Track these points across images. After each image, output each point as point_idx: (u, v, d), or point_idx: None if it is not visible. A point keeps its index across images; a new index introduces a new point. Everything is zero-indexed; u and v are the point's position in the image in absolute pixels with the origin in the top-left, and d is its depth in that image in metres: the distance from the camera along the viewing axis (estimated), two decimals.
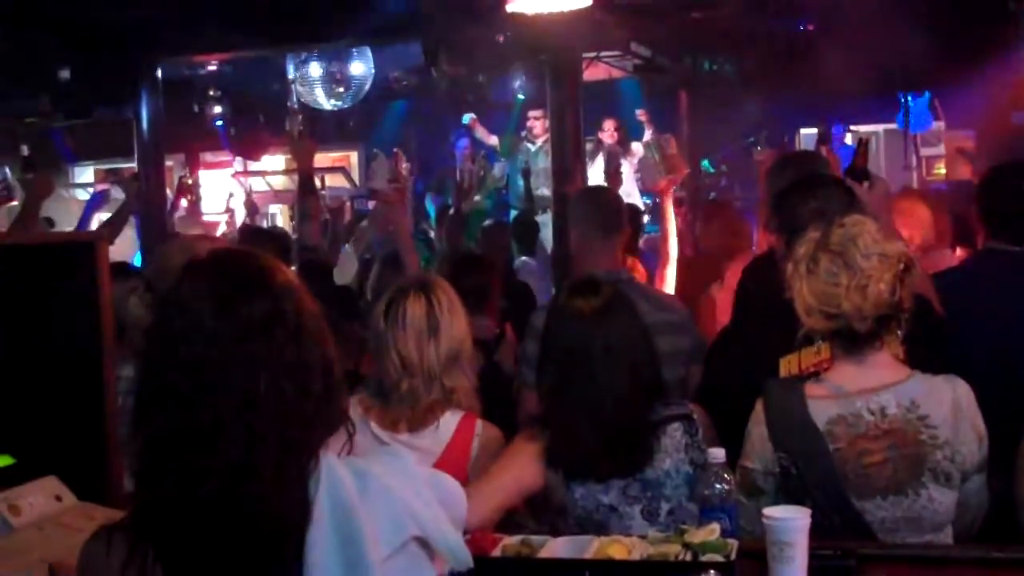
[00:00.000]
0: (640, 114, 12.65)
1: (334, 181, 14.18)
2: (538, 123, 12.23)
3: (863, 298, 2.93)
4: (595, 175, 11.14)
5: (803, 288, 3.02)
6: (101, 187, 11.74)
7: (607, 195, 5.34)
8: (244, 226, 8.35)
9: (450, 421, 3.56)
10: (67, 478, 2.82)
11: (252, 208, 13.21)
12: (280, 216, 14.53)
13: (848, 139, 12.63)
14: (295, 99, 10.80)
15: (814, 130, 12.89)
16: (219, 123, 13.01)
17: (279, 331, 1.91)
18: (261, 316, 1.90)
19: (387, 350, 3.55)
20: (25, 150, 11.87)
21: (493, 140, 13.58)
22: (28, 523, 2.71)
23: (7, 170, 11.40)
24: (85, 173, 15.69)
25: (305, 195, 6.22)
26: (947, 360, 3.27)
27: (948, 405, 2.98)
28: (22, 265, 3.06)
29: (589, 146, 11.77)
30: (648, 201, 11.38)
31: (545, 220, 9.93)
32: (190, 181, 9.88)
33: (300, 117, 10.25)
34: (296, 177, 13.66)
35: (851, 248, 2.96)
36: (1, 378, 3.01)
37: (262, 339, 1.89)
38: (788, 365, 3.25)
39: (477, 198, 11.64)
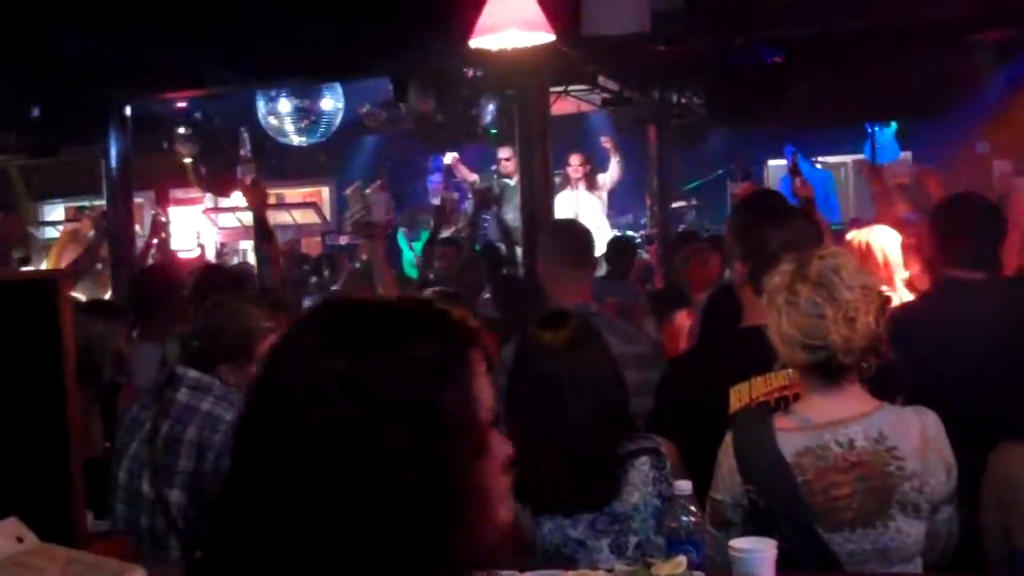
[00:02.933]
0: (605, 141, 12.66)
1: (305, 217, 14.18)
2: (509, 163, 12.25)
3: (851, 330, 2.92)
4: (561, 209, 11.21)
5: (782, 320, 3.00)
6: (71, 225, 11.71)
7: (576, 229, 5.35)
8: (206, 266, 8.27)
9: None
10: (28, 519, 2.78)
11: (221, 247, 13.21)
12: (251, 253, 14.49)
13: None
14: (248, 145, 10.74)
15: (783, 161, 13.03)
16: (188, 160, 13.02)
17: None
18: None
19: None
20: None
21: (473, 177, 13.58)
22: None
23: None
24: (55, 211, 15.65)
25: (261, 240, 6.20)
26: (916, 392, 3.27)
27: (916, 436, 2.97)
28: None
29: (557, 179, 11.82)
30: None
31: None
32: (164, 219, 9.83)
33: (253, 164, 10.21)
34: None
35: (834, 280, 2.95)
36: None
37: None
38: (739, 394, 3.25)
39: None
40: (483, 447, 1.52)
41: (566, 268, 4.78)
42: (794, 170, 6.54)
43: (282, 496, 1.44)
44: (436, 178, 13.74)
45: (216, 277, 6.50)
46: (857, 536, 2.92)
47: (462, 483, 1.48)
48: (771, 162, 13.86)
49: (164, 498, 3.71)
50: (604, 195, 12.31)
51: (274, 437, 1.46)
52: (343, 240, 13.99)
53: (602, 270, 8.65)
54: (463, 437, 1.49)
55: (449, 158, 13.40)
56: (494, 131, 12.13)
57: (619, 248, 9.34)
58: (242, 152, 10.59)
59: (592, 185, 12.17)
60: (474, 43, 6.20)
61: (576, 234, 5.09)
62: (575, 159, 12.19)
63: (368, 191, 13.53)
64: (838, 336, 2.92)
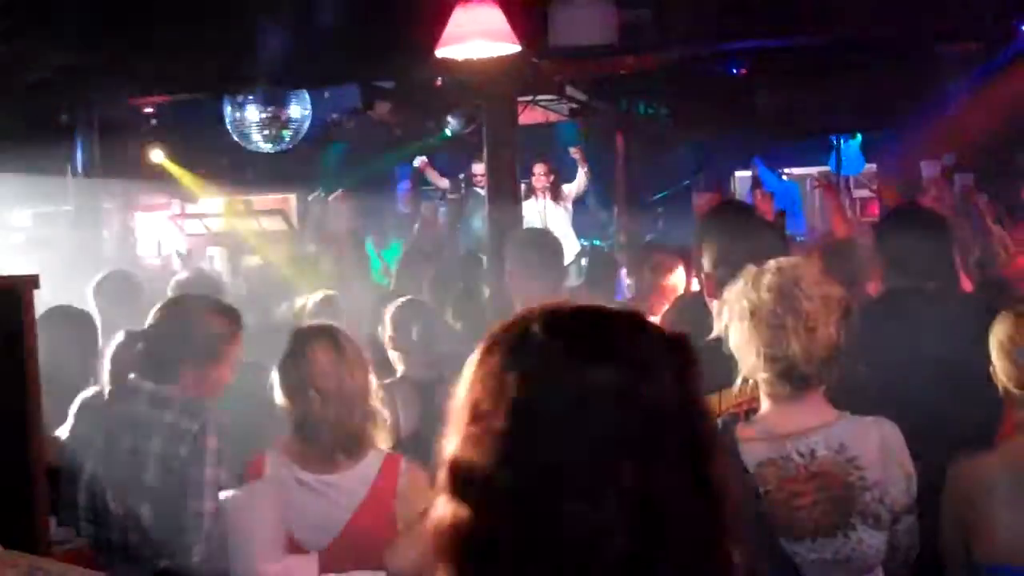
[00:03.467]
0: (574, 152, 12.63)
1: (273, 224, 14.13)
2: (483, 178, 12.24)
3: (811, 340, 2.94)
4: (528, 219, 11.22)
5: (741, 331, 3.02)
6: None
7: (545, 238, 5.37)
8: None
9: (373, 461, 3.58)
10: None
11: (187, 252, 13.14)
12: (217, 259, 14.44)
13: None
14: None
15: (749, 172, 13.10)
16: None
17: None
18: None
19: (295, 390, 3.58)
20: None
21: (444, 183, 13.53)
22: None
23: None
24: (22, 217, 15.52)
25: None
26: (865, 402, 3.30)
27: (876, 446, 2.99)
28: None
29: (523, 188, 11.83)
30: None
31: None
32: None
33: None
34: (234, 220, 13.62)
35: (794, 290, 2.97)
36: None
37: None
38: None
39: None
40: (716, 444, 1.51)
41: (535, 277, 4.80)
42: (755, 183, 6.60)
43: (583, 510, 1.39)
44: (404, 185, 13.72)
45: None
46: (818, 546, 2.93)
47: (723, 486, 1.47)
48: (738, 173, 13.90)
49: (135, 513, 3.68)
50: (569, 205, 12.29)
51: (554, 453, 1.40)
52: (311, 247, 13.94)
53: (572, 279, 8.66)
54: (711, 437, 1.50)
55: (418, 161, 13.34)
56: (448, 133, 12.09)
57: (595, 259, 9.32)
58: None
59: (557, 196, 12.14)
60: (440, 52, 6.22)
61: (545, 243, 5.11)
62: (539, 168, 12.13)
63: (330, 199, 13.49)
64: (798, 346, 2.94)
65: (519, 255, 5.00)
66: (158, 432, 3.71)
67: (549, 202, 12.09)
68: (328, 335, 3.68)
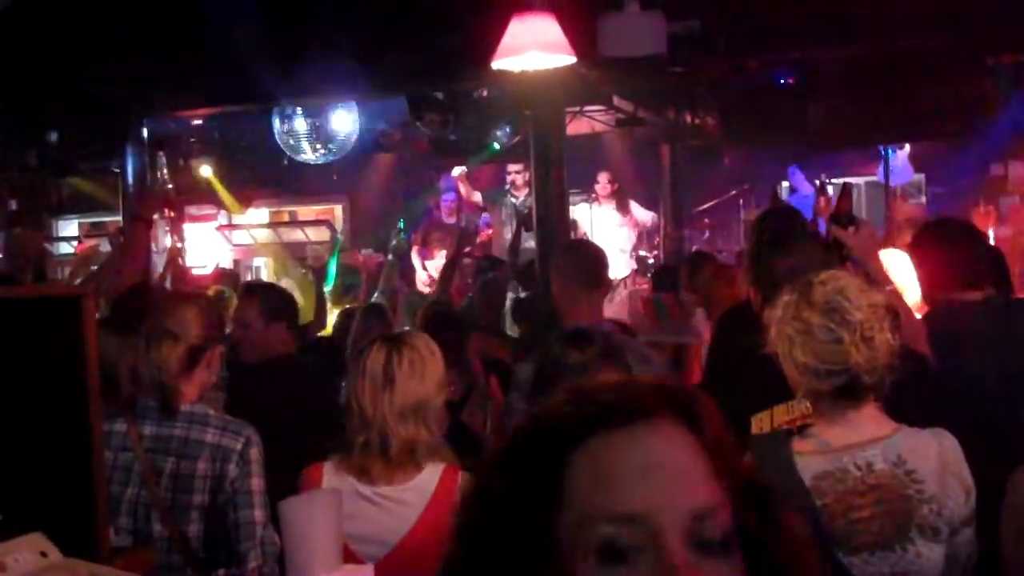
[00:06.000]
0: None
1: (318, 235, 14.21)
2: (519, 176, 12.27)
3: (872, 349, 2.93)
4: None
5: (795, 351, 3.01)
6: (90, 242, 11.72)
7: (588, 249, 5.38)
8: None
9: (432, 473, 3.56)
10: (53, 534, 2.80)
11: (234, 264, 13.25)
12: (265, 269, 14.55)
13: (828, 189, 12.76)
14: (164, 168, 10.54)
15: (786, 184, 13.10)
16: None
17: None
18: None
19: (350, 402, 3.58)
20: (13, 204, 11.87)
21: (476, 197, 13.55)
22: None
23: None
24: (69, 227, 15.71)
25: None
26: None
27: (934, 459, 2.98)
28: (5, 319, 3.05)
29: (582, 199, 11.89)
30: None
31: None
32: (180, 244, 9.77)
33: (170, 187, 10.07)
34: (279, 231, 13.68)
35: (843, 303, 2.96)
36: None
37: None
38: (760, 423, 3.25)
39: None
40: None
41: (579, 288, 4.81)
42: (821, 190, 6.63)
43: None
44: (449, 196, 13.74)
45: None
46: (876, 559, 2.92)
47: None
48: (784, 184, 13.86)
49: (184, 535, 3.69)
50: (632, 222, 12.26)
51: None
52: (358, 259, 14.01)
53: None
54: None
55: (456, 171, 13.38)
56: (496, 146, 12.12)
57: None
58: (159, 175, 10.47)
59: (624, 208, 12.15)
60: (496, 64, 6.23)
61: (587, 255, 5.13)
62: (603, 176, 12.19)
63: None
64: (860, 357, 2.93)
65: (564, 265, 5.02)
66: (203, 453, 3.71)
67: (610, 210, 12.11)
68: (398, 343, 3.64)
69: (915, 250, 4.65)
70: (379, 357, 3.59)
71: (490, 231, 13.13)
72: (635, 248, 12.13)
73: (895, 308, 3.06)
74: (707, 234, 13.76)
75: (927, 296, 4.55)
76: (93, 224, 15.49)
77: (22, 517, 2.81)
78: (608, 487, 1.24)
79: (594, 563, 1.22)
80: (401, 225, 12.91)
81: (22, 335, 3.05)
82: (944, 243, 4.53)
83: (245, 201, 13.98)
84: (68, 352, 3.04)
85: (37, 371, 3.04)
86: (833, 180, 13.19)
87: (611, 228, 11.92)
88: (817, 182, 9.33)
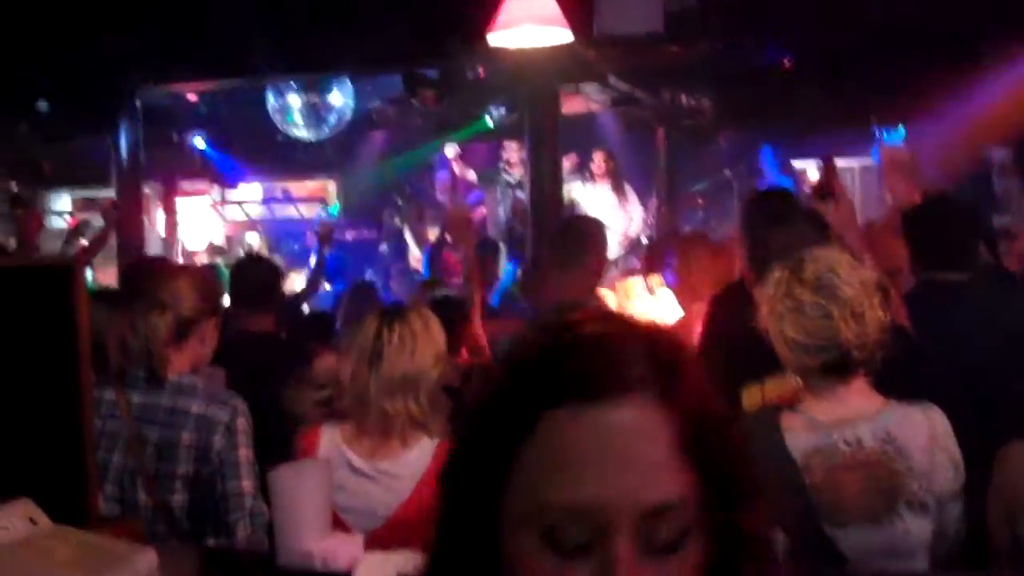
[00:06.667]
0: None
1: (311, 212, 14.22)
2: (515, 154, 12.25)
3: (861, 325, 2.94)
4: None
5: (785, 327, 3.01)
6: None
7: (571, 228, 5.39)
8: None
9: (426, 448, 3.55)
10: (42, 502, 2.81)
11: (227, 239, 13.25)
12: (256, 245, 14.53)
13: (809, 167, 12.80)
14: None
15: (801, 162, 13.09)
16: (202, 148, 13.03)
17: None
18: None
19: (341, 375, 3.59)
20: (14, 186, 11.87)
21: (471, 175, 13.51)
22: (2, 546, 2.69)
23: None
24: (61, 200, 15.67)
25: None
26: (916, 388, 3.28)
27: (923, 435, 2.98)
28: None
29: (576, 178, 11.88)
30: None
31: None
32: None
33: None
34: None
35: (833, 279, 2.97)
36: None
37: None
38: (751, 396, 3.25)
39: None
40: None
41: (555, 265, 4.84)
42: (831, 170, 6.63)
43: None
44: (443, 174, 13.70)
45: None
46: (864, 533, 2.93)
47: None
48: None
49: (168, 504, 3.68)
50: (624, 201, 12.26)
51: None
52: (349, 235, 14.00)
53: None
54: None
55: (450, 151, 13.35)
56: (488, 122, 12.01)
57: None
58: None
59: (619, 190, 12.15)
60: (492, 39, 6.20)
61: (566, 233, 5.15)
62: (599, 155, 12.15)
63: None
64: (850, 333, 2.93)
65: (546, 243, 5.06)
66: (187, 424, 3.69)
67: (606, 190, 12.10)
68: (399, 316, 3.62)
69: (908, 226, 4.64)
70: (369, 331, 3.58)
71: (483, 209, 13.10)
72: (627, 230, 12.12)
73: (886, 285, 3.07)
74: (701, 214, 13.75)
75: (916, 273, 4.55)
76: (86, 199, 15.44)
77: (11, 485, 2.81)
78: (560, 469, 1.16)
79: (537, 545, 1.16)
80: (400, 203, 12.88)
81: (13, 305, 3.05)
82: (938, 220, 4.52)
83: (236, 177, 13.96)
84: (60, 322, 3.04)
85: (28, 340, 3.04)
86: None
87: (606, 209, 11.91)
88: (794, 162, 9.30)
